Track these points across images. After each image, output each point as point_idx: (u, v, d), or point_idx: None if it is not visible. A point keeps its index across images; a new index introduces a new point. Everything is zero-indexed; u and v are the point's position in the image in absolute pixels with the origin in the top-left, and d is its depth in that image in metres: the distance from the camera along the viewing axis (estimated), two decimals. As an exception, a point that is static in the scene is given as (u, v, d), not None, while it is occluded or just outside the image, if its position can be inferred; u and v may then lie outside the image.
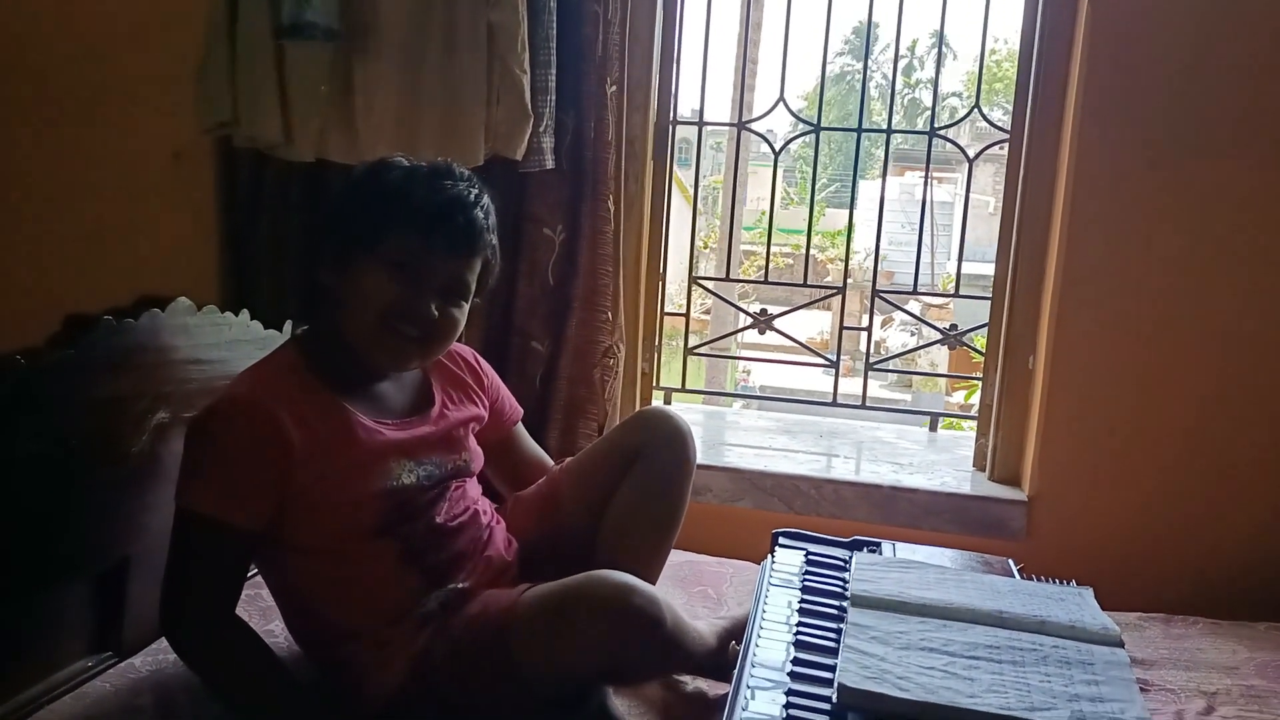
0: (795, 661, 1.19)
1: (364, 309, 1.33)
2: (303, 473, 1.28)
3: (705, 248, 9.73)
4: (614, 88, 2.09)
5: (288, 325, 1.69)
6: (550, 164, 2.04)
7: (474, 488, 1.51)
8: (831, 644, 1.23)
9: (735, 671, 1.20)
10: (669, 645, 1.27)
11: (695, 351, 2.61)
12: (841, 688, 1.09)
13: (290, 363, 1.37)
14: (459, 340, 1.49)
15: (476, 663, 1.29)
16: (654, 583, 1.52)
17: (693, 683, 1.47)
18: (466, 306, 1.41)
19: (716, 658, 1.43)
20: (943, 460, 2.37)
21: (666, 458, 1.53)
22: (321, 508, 1.31)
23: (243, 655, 1.27)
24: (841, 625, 1.26)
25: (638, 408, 2.33)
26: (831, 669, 1.16)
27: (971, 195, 2.48)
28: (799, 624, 1.29)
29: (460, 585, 1.38)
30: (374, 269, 1.33)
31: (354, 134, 2.01)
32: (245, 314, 1.62)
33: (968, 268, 2.54)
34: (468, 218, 1.36)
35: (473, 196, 1.38)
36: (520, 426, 1.68)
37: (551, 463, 1.69)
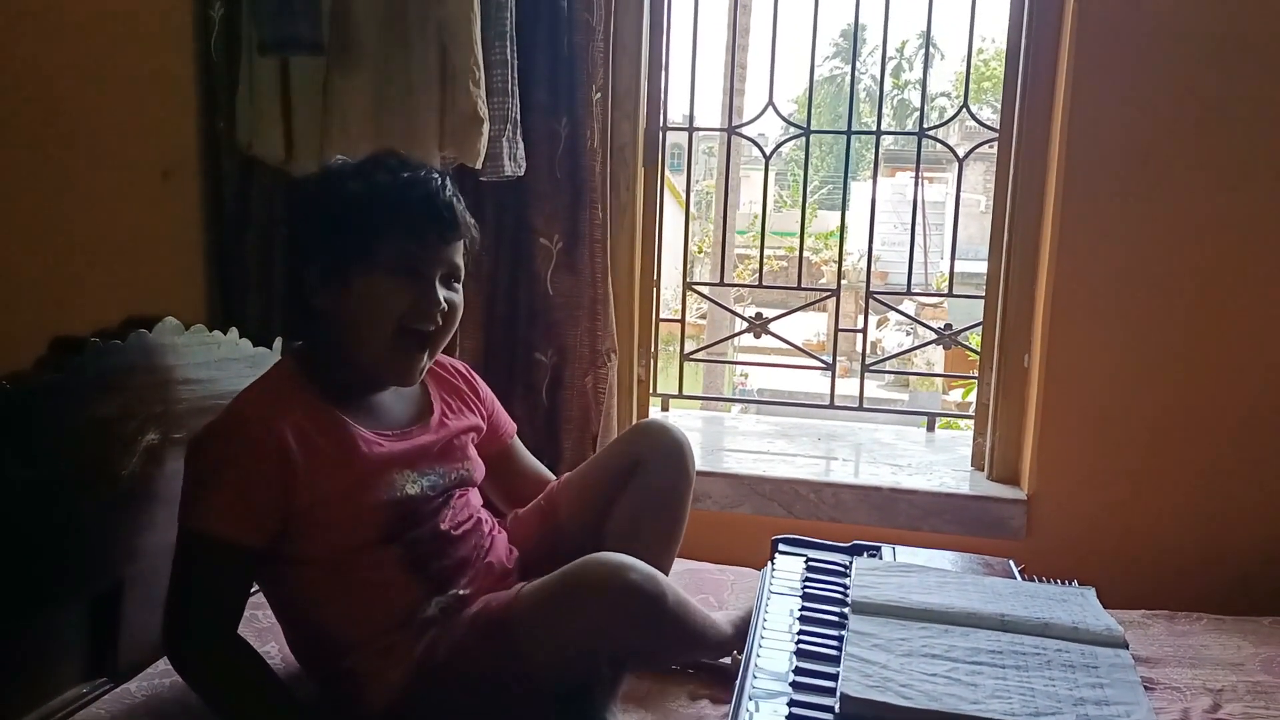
0: (797, 671, 1.18)
1: (377, 321, 1.32)
2: (306, 488, 1.28)
3: (700, 252, 9.73)
4: (599, 94, 2.07)
5: (277, 342, 1.67)
6: (510, 171, 1.95)
7: (476, 497, 1.51)
8: (833, 652, 1.22)
9: (737, 681, 1.19)
10: (673, 621, 1.27)
11: (691, 357, 2.60)
12: (844, 697, 1.08)
13: (289, 379, 1.37)
14: (452, 355, 1.48)
15: (480, 657, 1.30)
16: None
17: (694, 706, 1.47)
18: (460, 288, 1.40)
19: (734, 645, 1.43)
20: (941, 460, 2.36)
21: (666, 470, 1.53)
22: (325, 521, 1.31)
23: (244, 674, 1.27)
24: (843, 632, 1.25)
25: (635, 416, 2.33)
26: (834, 678, 1.14)
27: (963, 194, 2.47)
28: (800, 632, 1.28)
29: (461, 592, 1.38)
30: (377, 281, 1.32)
31: (331, 145, 1.97)
32: (234, 332, 1.60)
33: (963, 266, 2.53)
34: (446, 201, 1.35)
35: (436, 179, 1.37)
36: (517, 441, 1.68)
37: (552, 477, 1.69)
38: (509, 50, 1.94)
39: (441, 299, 1.35)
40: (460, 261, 1.39)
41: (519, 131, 1.98)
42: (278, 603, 1.40)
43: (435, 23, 1.86)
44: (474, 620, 1.33)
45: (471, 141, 1.87)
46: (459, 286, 1.40)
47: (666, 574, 1.54)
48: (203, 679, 1.27)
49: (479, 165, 1.90)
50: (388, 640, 1.33)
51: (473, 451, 1.51)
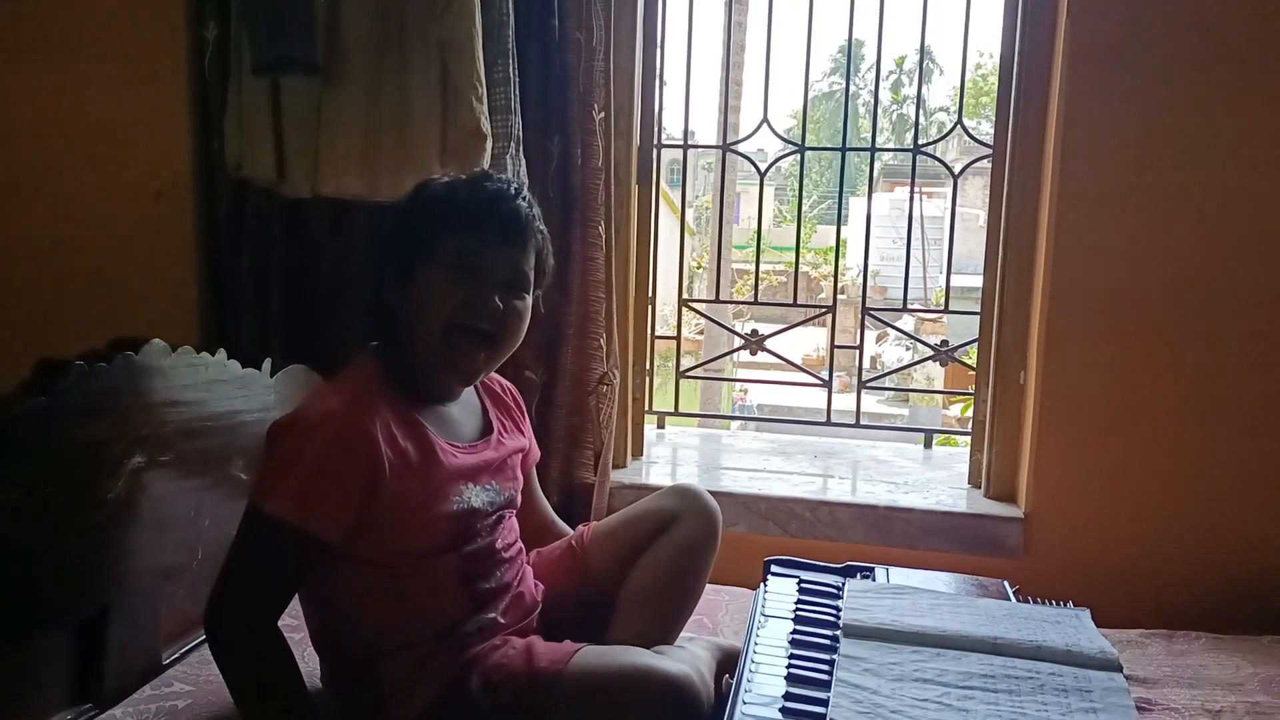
0: (787, 696, 1.17)
1: (432, 315, 1.35)
2: (386, 488, 1.28)
3: (699, 268, 9.74)
4: (601, 114, 2.07)
5: (267, 364, 1.66)
6: None
7: (517, 525, 1.52)
8: (825, 677, 1.20)
9: (728, 707, 1.18)
10: None
11: (687, 374, 2.59)
12: (834, 724, 1.06)
13: (374, 377, 1.37)
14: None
15: (508, 704, 1.29)
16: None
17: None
18: (529, 299, 1.42)
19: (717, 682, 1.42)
20: (938, 478, 2.34)
21: (695, 530, 1.53)
22: (394, 524, 1.31)
23: (275, 666, 1.26)
24: (835, 657, 1.24)
25: (629, 434, 2.32)
26: (825, 703, 1.13)
27: (963, 208, 2.47)
28: (791, 656, 1.27)
29: (501, 619, 1.40)
30: (435, 275, 1.35)
31: (322, 166, 1.96)
32: (222, 354, 1.59)
33: (962, 280, 2.52)
34: (512, 207, 1.39)
35: (513, 189, 1.41)
36: (534, 471, 1.68)
37: (555, 517, 1.71)
38: (511, 68, 1.95)
39: (496, 299, 1.36)
40: (526, 270, 1.41)
41: (521, 149, 1.98)
42: (318, 597, 1.38)
43: (436, 40, 1.87)
44: (514, 675, 1.32)
45: (475, 158, 1.88)
46: (526, 296, 1.41)
47: (681, 628, 1.55)
48: (232, 660, 1.25)
49: None
50: (421, 653, 1.33)
51: (519, 474, 1.53)
